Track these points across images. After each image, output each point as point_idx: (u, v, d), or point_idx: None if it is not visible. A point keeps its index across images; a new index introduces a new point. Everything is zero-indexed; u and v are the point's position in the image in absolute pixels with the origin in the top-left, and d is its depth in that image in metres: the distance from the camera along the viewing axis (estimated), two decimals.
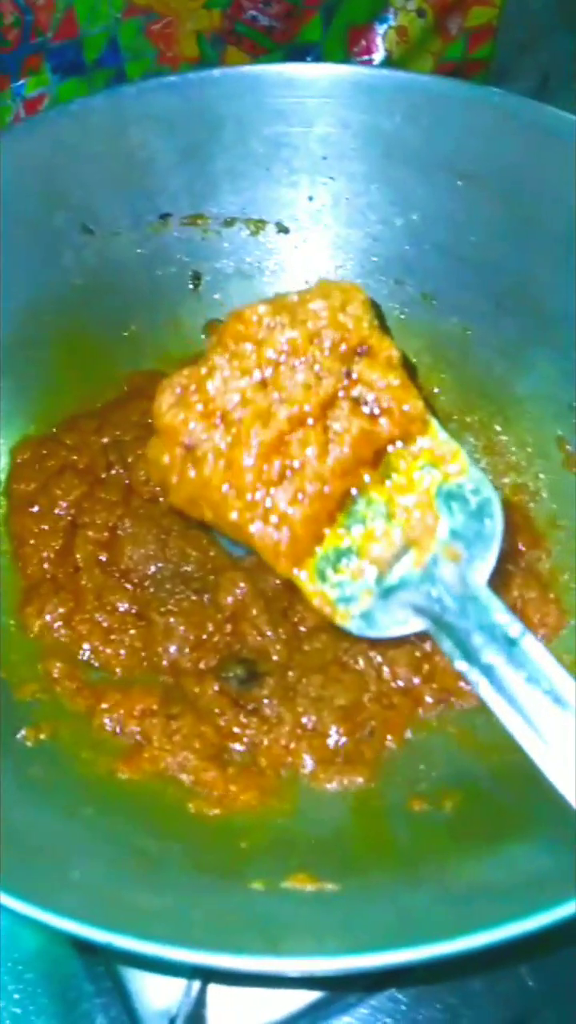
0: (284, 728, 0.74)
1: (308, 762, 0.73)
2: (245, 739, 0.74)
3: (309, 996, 0.72)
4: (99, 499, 0.83)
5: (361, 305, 0.66)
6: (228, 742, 0.73)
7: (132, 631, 0.79)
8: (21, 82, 1.14)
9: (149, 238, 0.91)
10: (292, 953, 0.54)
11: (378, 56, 1.29)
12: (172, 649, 0.78)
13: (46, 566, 0.82)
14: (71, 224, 0.88)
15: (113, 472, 0.86)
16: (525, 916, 0.52)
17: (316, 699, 0.75)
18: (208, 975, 0.70)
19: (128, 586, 0.81)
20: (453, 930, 0.52)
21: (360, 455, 0.66)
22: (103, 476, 0.86)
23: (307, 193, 0.91)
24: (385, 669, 0.77)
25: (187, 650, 0.78)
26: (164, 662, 0.78)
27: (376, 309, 0.67)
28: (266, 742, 0.74)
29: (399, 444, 0.66)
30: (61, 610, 0.79)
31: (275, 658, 0.77)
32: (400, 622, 0.65)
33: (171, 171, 0.89)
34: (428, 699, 0.76)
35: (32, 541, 0.83)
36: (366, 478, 0.66)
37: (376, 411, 0.66)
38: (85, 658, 0.78)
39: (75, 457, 0.86)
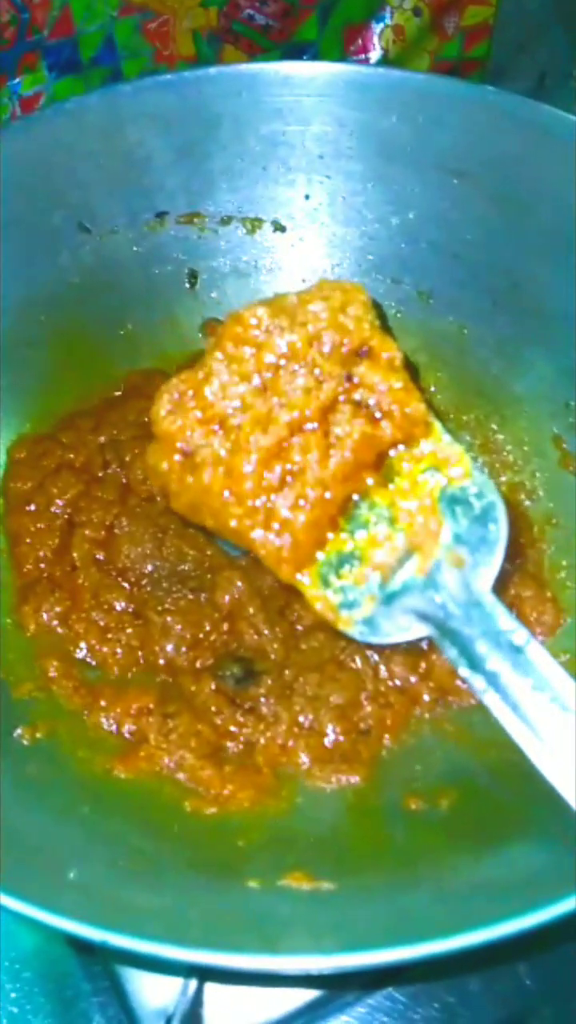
0: (281, 727, 0.74)
1: (305, 761, 0.73)
2: (242, 738, 0.74)
3: (306, 995, 0.72)
4: (96, 498, 0.83)
5: (362, 306, 0.65)
6: (225, 741, 0.73)
7: (129, 630, 0.79)
8: (17, 80, 1.14)
9: (146, 236, 0.91)
10: (289, 951, 0.54)
11: (374, 55, 1.29)
12: (169, 648, 0.78)
13: (43, 565, 0.82)
14: (67, 223, 0.88)
15: (110, 471, 0.86)
16: (522, 914, 0.52)
17: (313, 698, 0.75)
18: (205, 974, 0.69)
19: (125, 585, 0.81)
20: (450, 928, 0.52)
21: (362, 459, 0.65)
22: (100, 475, 0.86)
23: (303, 192, 0.91)
24: (382, 668, 0.77)
25: (184, 649, 0.78)
26: (161, 661, 0.78)
27: (378, 309, 0.66)
28: (263, 741, 0.74)
29: (401, 447, 0.65)
30: (58, 609, 0.79)
31: (272, 657, 0.77)
32: (403, 628, 0.64)
33: (168, 169, 0.89)
34: (425, 697, 0.76)
35: (28, 540, 0.83)
36: (369, 481, 0.65)
37: (378, 414, 0.65)
38: (82, 657, 0.78)
39: (72, 456, 0.86)
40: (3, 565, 0.82)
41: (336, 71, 0.88)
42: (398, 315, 0.91)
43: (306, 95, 0.87)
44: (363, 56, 1.29)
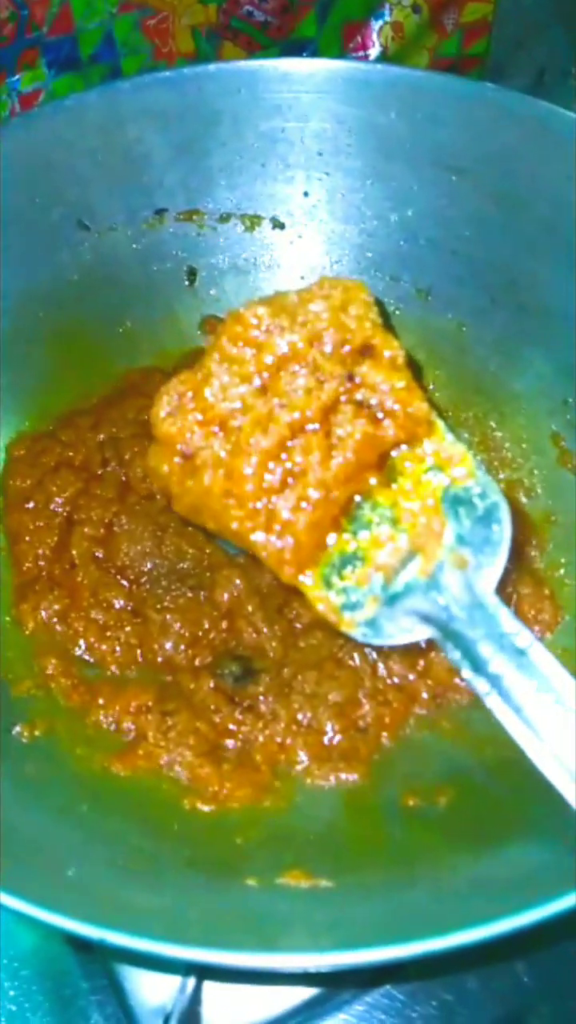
0: (279, 725, 0.74)
1: (303, 758, 0.73)
2: (240, 736, 0.74)
3: (304, 993, 0.72)
4: (95, 496, 0.83)
5: (363, 303, 0.64)
6: (223, 739, 0.73)
7: (128, 628, 0.79)
8: (16, 77, 1.14)
9: (145, 234, 0.91)
10: (287, 949, 0.54)
11: (373, 52, 1.28)
12: (168, 646, 0.78)
13: (42, 563, 0.82)
14: (66, 220, 0.88)
15: (109, 469, 0.86)
16: (520, 912, 0.52)
17: (311, 696, 0.75)
18: (203, 972, 0.69)
19: (124, 583, 0.81)
20: (448, 926, 0.52)
21: (364, 459, 0.64)
22: (99, 473, 0.85)
23: (302, 189, 0.91)
24: (380, 666, 0.77)
25: (183, 647, 0.78)
26: (159, 659, 0.78)
27: (379, 306, 0.65)
28: (261, 739, 0.74)
29: (404, 447, 0.64)
30: (57, 607, 0.79)
31: (271, 655, 0.77)
32: (406, 630, 0.64)
33: (167, 166, 0.89)
34: (423, 695, 0.76)
35: (27, 537, 0.83)
36: (372, 481, 0.65)
37: (380, 414, 0.64)
38: (80, 655, 0.78)
39: (71, 453, 0.86)
40: (2, 563, 0.82)
41: (335, 68, 0.87)
42: (397, 312, 0.91)
43: (305, 92, 0.87)
44: (362, 53, 1.28)
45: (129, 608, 0.79)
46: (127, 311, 0.93)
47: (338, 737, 0.74)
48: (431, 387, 0.90)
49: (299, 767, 0.73)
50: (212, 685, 0.75)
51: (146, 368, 0.92)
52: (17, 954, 0.75)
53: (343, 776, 0.72)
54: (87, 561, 0.81)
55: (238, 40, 1.23)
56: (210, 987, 0.71)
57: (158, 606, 0.78)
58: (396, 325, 0.87)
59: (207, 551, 0.81)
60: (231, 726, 0.74)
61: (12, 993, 0.74)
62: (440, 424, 0.65)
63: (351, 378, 0.64)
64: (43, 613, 0.79)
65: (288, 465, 0.63)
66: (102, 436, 0.87)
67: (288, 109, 0.88)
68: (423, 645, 0.76)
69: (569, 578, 0.81)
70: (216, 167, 0.90)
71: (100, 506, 0.83)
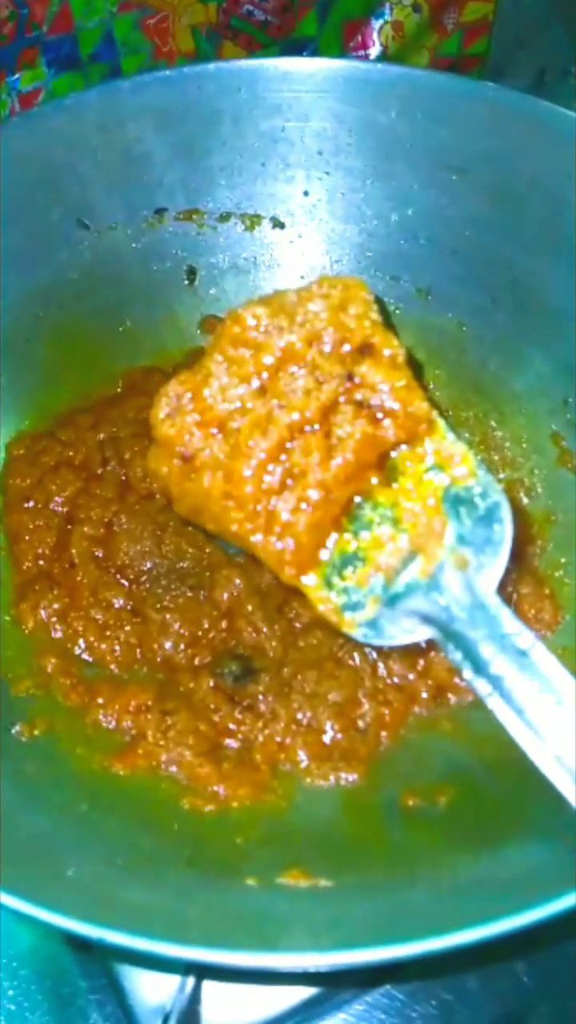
0: (279, 724, 0.74)
1: (303, 758, 0.73)
2: (240, 735, 0.74)
3: (304, 992, 0.72)
4: (95, 495, 0.83)
5: (363, 302, 0.64)
6: (223, 738, 0.73)
7: (127, 627, 0.79)
8: (16, 76, 1.14)
9: (144, 233, 0.91)
10: (287, 949, 0.54)
11: (374, 51, 1.28)
12: (167, 645, 0.78)
13: (41, 562, 0.82)
14: (66, 219, 0.88)
15: (109, 468, 0.86)
16: (520, 911, 0.52)
17: (311, 695, 0.75)
18: (202, 971, 0.69)
19: (123, 582, 0.81)
20: (448, 925, 0.52)
21: (364, 459, 0.64)
22: (99, 472, 0.85)
23: (302, 188, 0.91)
24: (380, 665, 0.77)
25: (182, 646, 0.78)
26: (159, 658, 0.78)
27: (380, 304, 0.65)
28: (261, 738, 0.74)
29: (405, 447, 0.64)
30: (56, 606, 0.79)
31: (270, 654, 0.77)
32: (407, 631, 0.63)
33: (167, 166, 0.89)
34: (423, 695, 0.76)
35: (27, 537, 0.83)
36: (373, 480, 0.64)
37: (380, 414, 0.63)
38: (80, 654, 0.78)
39: (71, 453, 0.86)
40: (2, 562, 0.82)
41: (335, 67, 0.87)
42: (397, 312, 0.91)
43: (305, 91, 0.87)
44: (362, 52, 1.28)
45: (129, 607, 0.79)
46: (127, 310, 0.93)
47: (338, 737, 0.74)
48: (431, 387, 0.90)
49: (299, 767, 0.73)
50: (212, 684, 0.75)
51: (146, 367, 0.92)
52: (16, 953, 0.75)
53: (343, 776, 0.72)
54: (87, 560, 0.81)
55: (238, 39, 1.23)
56: (209, 986, 0.71)
57: (158, 605, 0.78)
58: (396, 324, 0.87)
59: (207, 551, 0.81)
60: (231, 725, 0.74)
61: (11, 992, 0.74)
62: (441, 423, 0.64)
63: (351, 378, 0.63)
64: (43, 612, 0.79)
65: (288, 466, 0.63)
66: (102, 435, 0.87)
67: (288, 108, 0.88)
68: (423, 645, 0.76)
69: (569, 578, 0.81)
70: (216, 166, 0.90)
71: (100, 505, 0.83)
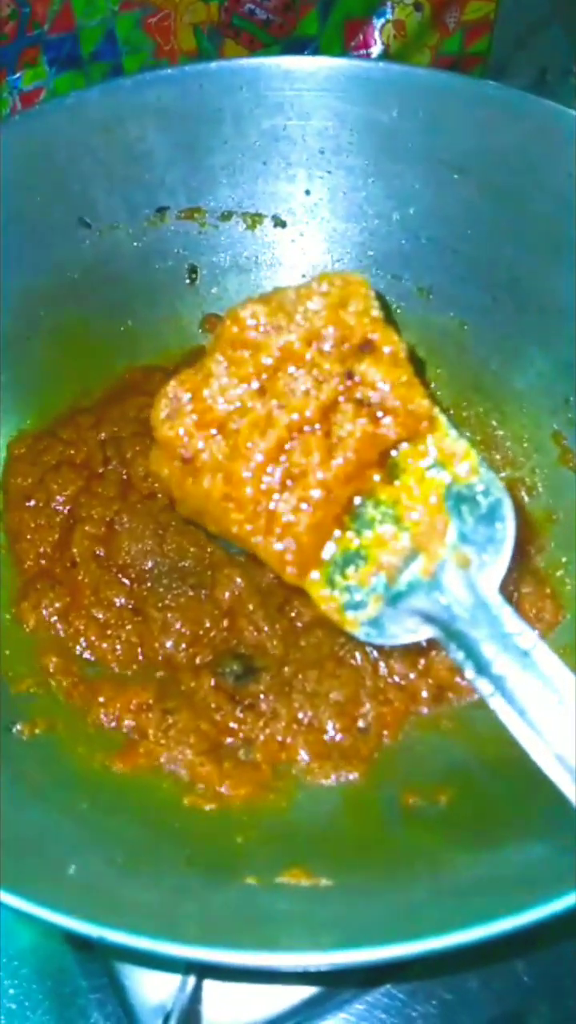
0: (280, 723, 0.74)
1: (304, 757, 0.73)
2: (241, 734, 0.74)
3: (304, 992, 0.72)
4: (96, 494, 0.83)
5: (364, 298, 0.63)
6: (224, 737, 0.73)
7: (128, 626, 0.79)
8: (17, 75, 1.14)
9: (146, 232, 0.91)
10: (287, 948, 0.54)
11: (375, 50, 1.28)
12: (168, 644, 0.78)
13: (43, 561, 0.82)
14: (68, 218, 0.88)
15: (110, 467, 0.85)
16: (520, 911, 0.52)
17: (312, 694, 0.75)
18: (203, 970, 0.69)
19: (125, 581, 0.81)
20: (448, 925, 0.52)
21: (365, 458, 0.63)
22: (100, 471, 0.85)
23: (304, 187, 0.91)
24: (381, 665, 0.76)
25: (183, 645, 0.78)
26: (160, 657, 0.78)
27: (381, 300, 0.64)
28: (262, 737, 0.74)
29: (407, 444, 0.63)
30: (57, 605, 0.79)
31: (272, 653, 0.77)
32: (409, 630, 0.63)
33: (168, 164, 0.89)
34: (424, 694, 0.76)
35: (29, 536, 0.83)
36: (375, 478, 0.64)
37: (381, 412, 0.63)
38: (81, 653, 0.78)
39: (72, 452, 0.86)
40: (3, 561, 0.82)
41: (337, 66, 0.87)
42: (398, 311, 0.91)
43: (307, 90, 0.87)
44: (364, 51, 1.28)
45: (130, 606, 0.79)
46: (128, 309, 0.93)
47: (339, 736, 0.74)
48: (432, 386, 0.90)
49: (300, 766, 0.73)
50: (213, 683, 0.75)
51: (147, 366, 0.92)
52: (17, 952, 0.75)
53: (343, 775, 0.72)
54: (88, 559, 0.81)
55: (240, 38, 1.23)
56: (210, 986, 0.71)
57: (159, 604, 0.78)
58: (397, 323, 0.87)
59: (208, 550, 0.81)
60: (232, 724, 0.74)
61: (12, 991, 0.74)
62: (443, 419, 0.64)
63: (350, 376, 0.63)
64: (44, 611, 0.79)
65: (288, 466, 0.63)
66: (103, 435, 0.87)
67: (290, 107, 0.88)
68: (423, 644, 0.76)
69: (570, 577, 0.81)
70: (218, 165, 0.90)
71: (101, 504, 0.83)
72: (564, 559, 0.82)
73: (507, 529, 0.62)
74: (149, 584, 0.80)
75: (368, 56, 1.28)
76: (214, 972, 0.70)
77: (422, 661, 0.76)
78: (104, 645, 0.78)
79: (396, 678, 0.76)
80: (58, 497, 0.83)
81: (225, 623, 0.78)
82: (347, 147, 0.89)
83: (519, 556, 0.78)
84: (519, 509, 0.81)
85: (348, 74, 0.87)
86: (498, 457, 0.87)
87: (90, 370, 0.91)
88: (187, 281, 0.94)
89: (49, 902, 0.53)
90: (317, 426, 0.63)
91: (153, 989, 0.72)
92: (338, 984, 0.73)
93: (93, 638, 0.78)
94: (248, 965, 0.53)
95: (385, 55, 1.28)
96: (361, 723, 0.75)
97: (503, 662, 0.58)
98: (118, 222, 0.90)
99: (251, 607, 0.78)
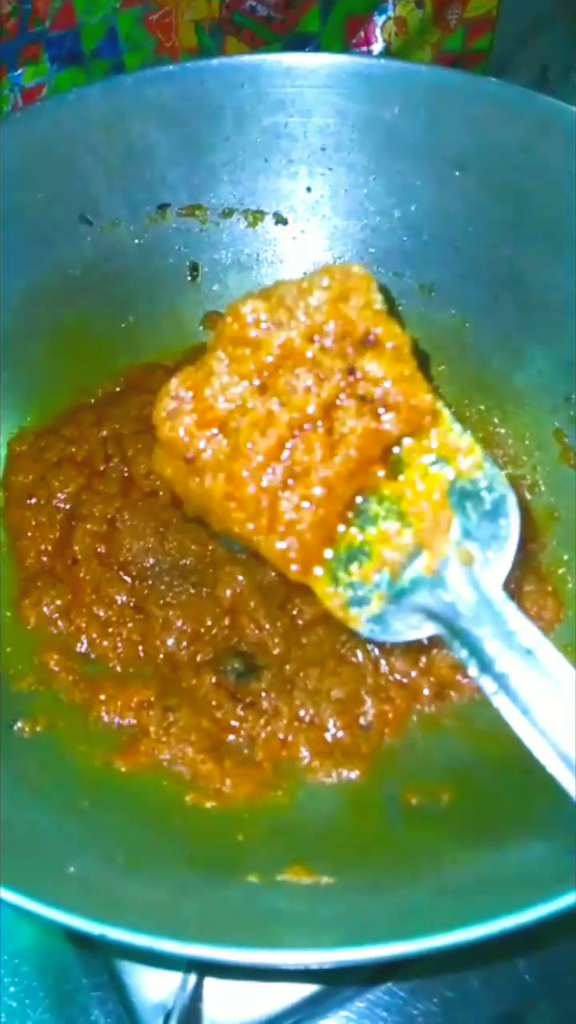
0: (281, 721, 0.74)
1: (305, 755, 0.73)
2: (242, 732, 0.74)
3: (306, 990, 0.72)
4: (97, 492, 0.83)
5: (366, 292, 0.62)
6: (225, 735, 0.73)
7: (130, 624, 0.78)
8: (19, 72, 1.14)
9: (147, 229, 0.91)
10: (288, 946, 0.53)
11: (377, 47, 1.28)
12: (170, 642, 0.78)
13: (44, 558, 0.82)
14: (69, 214, 0.88)
15: (111, 465, 0.85)
16: (522, 909, 0.52)
17: (313, 692, 0.75)
18: (204, 968, 0.69)
19: (126, 579, 0.81)
20: (449, 923, 0.52)
21: (368, 454, 0.62)
22: (101, 469, 0.85)
23: (305, 184, 0.91)
24: (383, 662, 0.76)
25: (184, 643, 0.78)
26: (161, 655, 0.78)
27: (384, 293, 0.63)
28: (263, 735, 0.74)
29: (410, 440, 0.63)
30: (58, 602, 0.79)
31: (273, 651, 0.77)
32: (413, 627, 0.62)
33: (169, 161, 0.89)
34: (425, 692, 0.76)
35: (30, 533, 0.83)
36: (380, 474, 0.63)
37: (383, 408, 0.62)
38: (82, 650, 0.78)
39: (73, 449, 0.86)
40: (4, 558, 0.82)
41: (338, 62, 0.87)
42: (399, 308, 0.90)
43: (308, 87, 0.87)
44: (365, 48, 1.28)
45: (131, 604, 0.79)
46: (129, 306, 0.93)
47: (340, 734, 0.74)
48: (434, 384, 0.90)
49: (301, 763, 0.73)
50: (214, 681, 0.75)
51: (149, 364, 0.92)
52: (18, 949, 0.75)
53: (345, 773, 0.72)
54: (89, 557, 0.81)
55: (241, 35, 1.23)
56: (211, 984, 0.71)
57: (160, 602, 0.78)
58: (401, 316, 0.87)
59: (209, 547, 0.81)
60: (233, 722, 0.74)
61: (12, 989, 0.74)
62: (447, 414, 0.63)
63: (352, 372, 0.62)
64: (45, 609, 0.79)
65: (289, 465, 0.62)
66: (104, 432, 0.87)
67: (291, 104, 0.88)
68: (425, 642, 0.76)
69: (571, 575, 0.81)
70: (219, 162, 0.90)
71: (102, 502, 0.82)
72: (565, 557, 0.82)
73: (511, 526, 0.62)
74: (150, 582, 0.80)
75: (369, 53, 1.28)
76: (215, 970, 0.70)
77: (423, 659, 0.76)
78: (105, 643, 0.78)
79: (397, 676, 0.76)
80: (59, 495, 0.83)
81: (226, 621, 0.78)
82: (348, 144, 0.88)
83: (521, 554, 0.79)
84: (521, 507, 0.81)
85: (349, 71, 0.87)
86: (499, 455, 0.87)
87: (91, 367, 0.91)
88: (188, 278, 0.94)
89: (50, 900, 0.53)
90: (319, 424, 0.62)
91: (154, 987, 0.72)
92: (339, 982, 0.73)
93: (94, 636, 0.78)
94: (249, 963, 0.53)
95: (386, 52, 1.28)
96: (362, 721, 0.75)
97: (507, 660, 0.57)
98: (119, 219, 0.90)
99: (252, 605, 0.78)
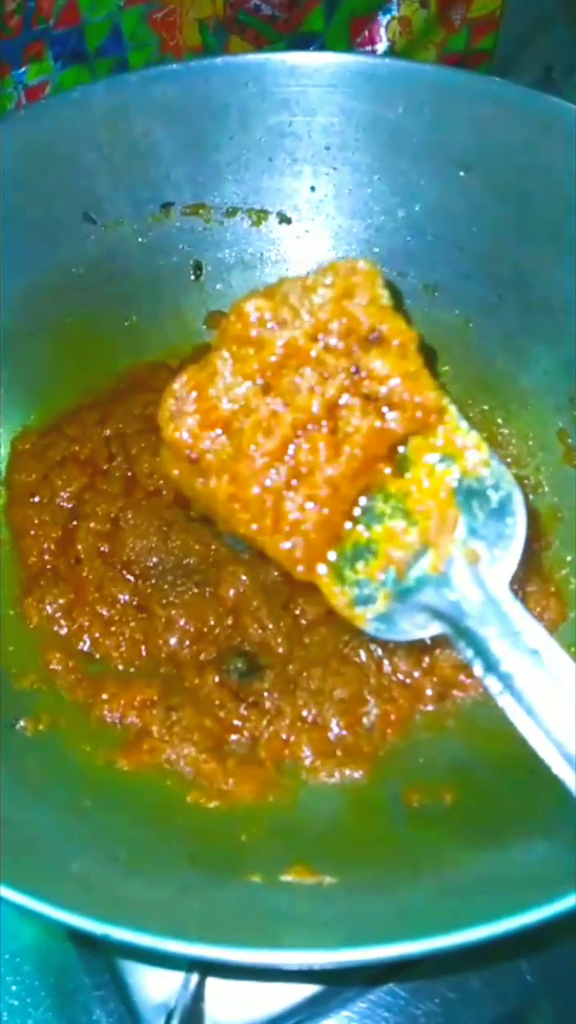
0: (284, 721, 0.74)
1: (308, 755, 0.73)
2: (245, 731, 0.74)
3: (307, 990, 0.72)
4: (101, 491, 0.83)
5: (372, 288, 0.62)
6: (228, 734, 0.73)
7: (132, 623, 0.78)
8: (23, 69, 1.14)
9: (151, 227, 0.91)
10: (290, 946, 0.53)
11: (381, 47, 1.28)
12: (172, 641, 0.78)
13: (47, 557, 0.82)
14: (72, 213, 0.88)
15: (115, 464, 0.85)
16: (525, 910, 0.52)
17: (316, 692, 0.75)
18: (206, 968, 0.69)
19: (129, 578, 0.80)
20: (452, 923, 0.52)
21: (374, 452, 0.62)
22: (105, 468, 0.85)
23: (309, 183, 0.91)
24: (386, 663, 0.76)
25: (187, 642, 0.78)
26: (164, 654, 0.78)
27: (390, 289, 0.63)
28: (266, 735, 0.73)
29: (416, 437, 0.62)
30: (61, 601, 0.79)
31: (277, 651, 0.77)
32: (419, 626, 0.62)
33: (173, 160, 0.89)
34: (428, 692, 0.76)
35: (33, 532, 0.83)
36: (387, 471, 0.63)
37: (388, 406, 0.62)
38: (85, 649, 0.78)
39: (77, 448, 0.86)
40: (7, 557, 0.82)
41: (343, 62, 0.87)
42: (404, 308, 0.91)
43: (313, 86, 0.87)
44: (370, 48, 1.28)
45: (134, 603, 0.79)
46: (133, 305, 0.93)
47: (343, 733, 0.74)
48: (438, 381, 0.90)
49: (304, 763, 0.73)
50: (217, 680, 0.75)
51: (152, 363, 0.92)
52: (19, 948, 0.75)
53: (347, 773, 0.72)
54: (92, 556, 0.81)
55: (245, 34, 1.23)
56: (213, 983, 0.71)
57: (163, 601, 0.78)
58: (407, 312, 0.87)
59: (212, 547, 0.81)
60: (236, 722, 0.74)
61: (14, 988, 0.74)
62: (453, 410, 0.63)
63: (357, 370, 0.62)
64: (48, 607, 0.79)
65: (294, 465, 0.62)
66: (108, 431, 0.87)
67: (296, 103, 0.88)
68: (428, 642, 0.76)
69: (575, 575, 0.81)
70: (223, 161, 0.90)
71: (106, 501, 0.82)
72: (569, 557, 0.81)
73: (517, 525, 0.61)
74: (153, 581, 0.80)
75: (374, 53, 1.28)
76: (217, 970, 0.70)
77: (426, 659, 0.76)
78: (108, 642, 0.78)
79: (400, 676, 0.76)
80: (62, 493, 0.83)
81: (229, 620, 0.78)
82: (353, 143, 0.88)
83: (525, 554, 0.78)
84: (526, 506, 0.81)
85: (354, 70, 0.87)
86: (503, 455, 0.87)
87: (94, 366, 0.91)
88: (192, 277, 0.94)
89: (52, 899, 0.53)
90: (323, 423, 0.62)
91: (156, 986, 0.72)
92: (341, 982, 0.73)
93: (97, 635, 0.78)
94: (251, 963, 0.53)
95: (391, 52, 1.28)
96: (365, 721, 0.75)
97: (512, 660, 0.57)
98: (123, 218, 0.90)
99: (255, 604, 0.78)
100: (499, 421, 0.88)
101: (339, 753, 0.73)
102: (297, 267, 0.93)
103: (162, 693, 0.74)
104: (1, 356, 0.85)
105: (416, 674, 0.76)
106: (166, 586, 0.79)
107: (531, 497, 0.85)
